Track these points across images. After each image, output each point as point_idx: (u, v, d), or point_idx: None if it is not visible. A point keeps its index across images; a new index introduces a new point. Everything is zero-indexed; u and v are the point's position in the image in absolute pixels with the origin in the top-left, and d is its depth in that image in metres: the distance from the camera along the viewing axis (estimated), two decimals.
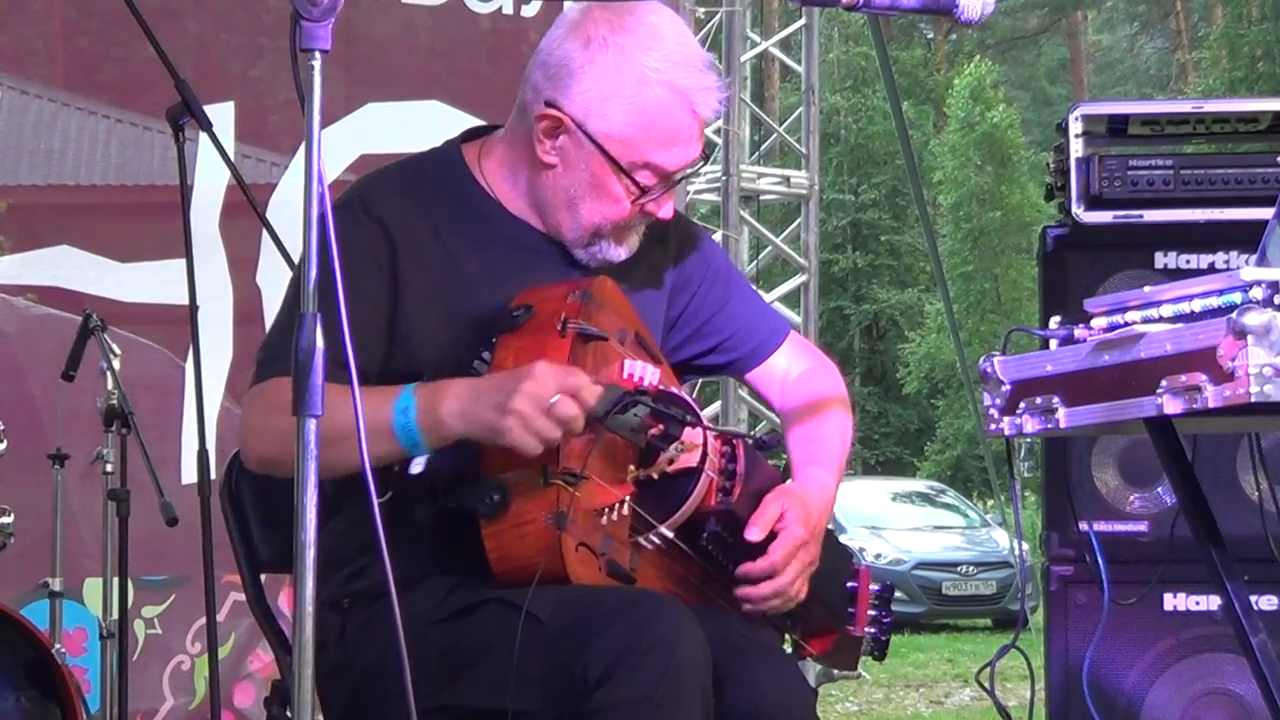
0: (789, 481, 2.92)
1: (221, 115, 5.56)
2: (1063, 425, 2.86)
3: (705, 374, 3.10)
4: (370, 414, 2.29)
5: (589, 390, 2.51)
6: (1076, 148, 4.50)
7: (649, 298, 2.89)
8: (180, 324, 4.65)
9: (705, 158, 2.84)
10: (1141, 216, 4.50)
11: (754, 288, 3.22)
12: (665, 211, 2.82)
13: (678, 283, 2.95)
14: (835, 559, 2.97)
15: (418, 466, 2.38)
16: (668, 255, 2.94)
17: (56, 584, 5.04)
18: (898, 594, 3.61)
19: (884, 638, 3.11)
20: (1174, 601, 4.51)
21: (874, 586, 3.10)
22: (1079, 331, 2.89)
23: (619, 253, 2.81)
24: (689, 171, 2.81)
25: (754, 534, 2.74)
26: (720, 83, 2.78)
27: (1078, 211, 4.49)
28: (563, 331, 2.59)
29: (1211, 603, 4.44)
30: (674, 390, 2.71)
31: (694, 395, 2.87)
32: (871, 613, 3.09)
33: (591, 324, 2.62)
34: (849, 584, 3.06)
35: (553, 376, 2.50)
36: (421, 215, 2.78)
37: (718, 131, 10.56)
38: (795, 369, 3.05)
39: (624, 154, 2.73)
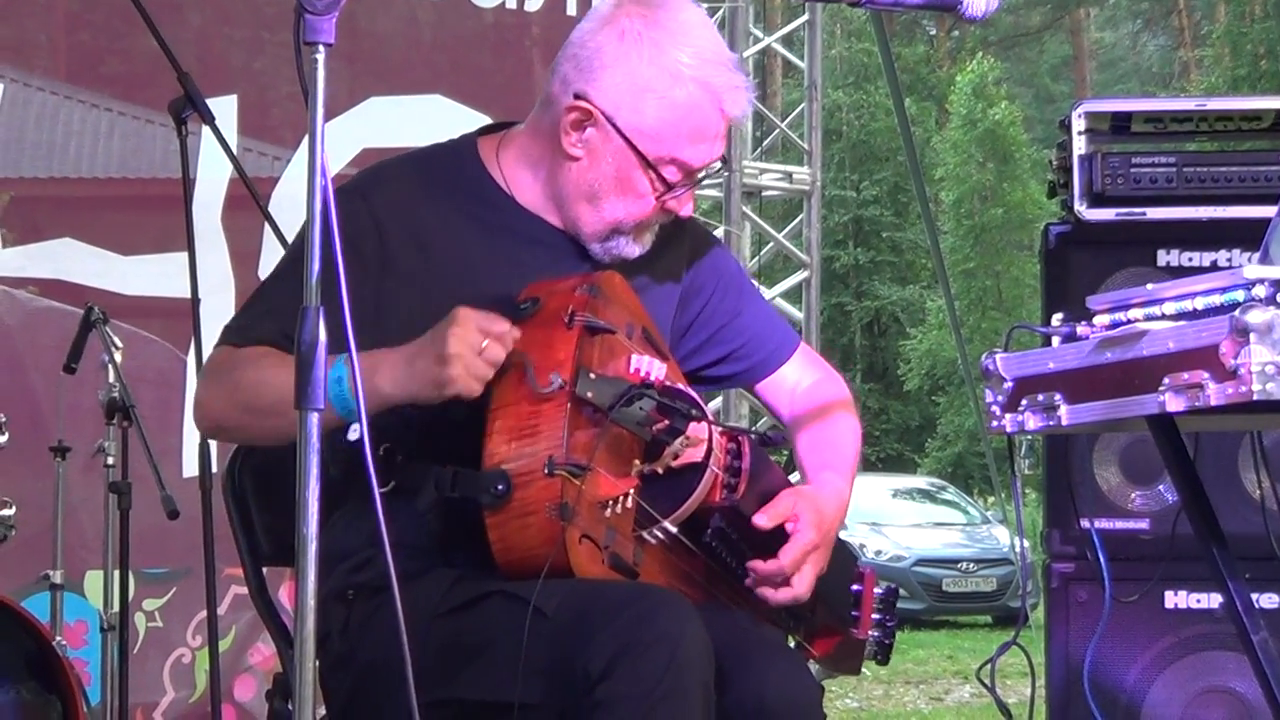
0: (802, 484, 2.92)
1: (224, 108, 5.56)
2: (1064, 422, 2.86)
3: (714, 384, 3.09)
4: None
5: (510, 335, 2.53)
6: (1079, 145, 4.50)
7: (659, 298, 2.89)
8: (182, 317, 4.64)
9: (724, 160, 2.85)
10: (1144, 214, 4.50)
11: (764, 296, 3.21)
12: (685, 210, 2.82)
13: (690, 289, 2.95)
14: (840, 561, 2.96)
15: (354, 434, 2.40)
16: (681, 259, 2.94)
17: (57, 576, 5.04)
18: None
19: (888, 641, 3.11)
20: (1175, 599, 4.51)
21: (878, 589, 3.10)
22: (1081, 329, 2.89)
23: (634, 250, 2.81)
24: (711, 170, 2.82)
25: (762, 520, 2.74)
26: (747, 82, 2.79)
27: (1080, 209, 4.49)
28: (570, 324, 2.59)
29: (1213, 600, 4.44)
30: (680, 386, 2.70)
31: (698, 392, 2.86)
32: (876, 616, 3.08)
33: (599, 318, 2.62)
34: (854, 586, 3.06)
35: (474, 320, 2.52)
36: (428, 205, 2.78)
37: None
38: (805, 380, 3.05)
39: (652, 149, 2.73)
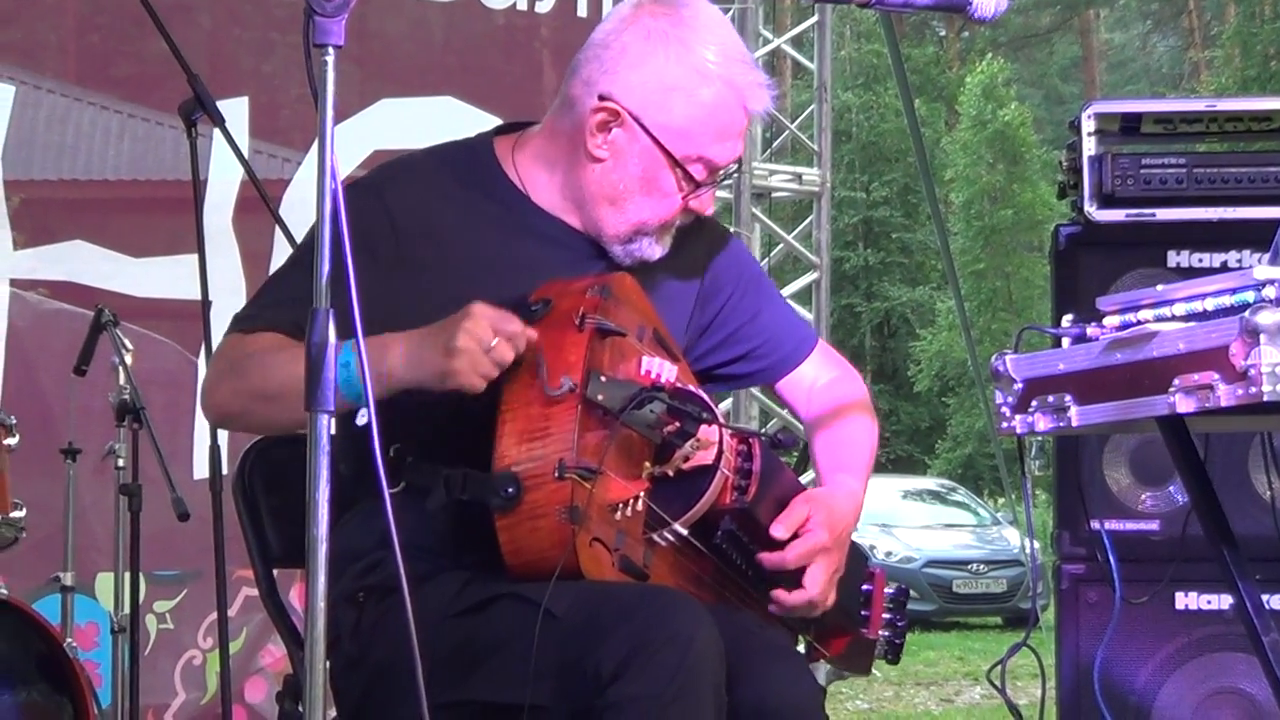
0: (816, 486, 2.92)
1: (235, 111, 5.57)
2: (1075, 424, 2.86)
3: (733, 383, 3.08)
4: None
5: (522, 336, 2.53)
6: (1089, 146, 4.50)
7: (674, 299, 2.88)
8: (193, 319, 4.66)
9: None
10: (1154, 215, 4.49)
11: (781, 295, 3.21)
12: (708, 209, 2.83)
13: (709, 288, 2.95)
14: (850, 561, 2.96)
15: (362, 419, 2.39)
16: (700, 257, 2.94)
17: (68, 578, 5.05)
18: None
19: (898, 641, 3.11)
20: (1185, 600, 4.50)
21: (889, 589, 3.10)
22: (1091, 330, 2.89)
23: (656, 251, 2.81)
24: (732, 169, 2.82)
25: (779, 531, 2.75)
26: (768, 80, 2.79)
27: (1090, 210, 4.49)
28: (580, 326, 2.59)
29: (1223, 602, 4.44)
30: (691, 388, 2.70)
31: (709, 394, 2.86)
32: (886, 615, 3.08)
33: (610, 319, 2.61)
34: (864, 586, 3.05)
35: (488, 318, 2.52)
36: (443, 202, 2.78)
37: None
38: (822, 378, 3.05)
39: (680, 147, 2.73)
